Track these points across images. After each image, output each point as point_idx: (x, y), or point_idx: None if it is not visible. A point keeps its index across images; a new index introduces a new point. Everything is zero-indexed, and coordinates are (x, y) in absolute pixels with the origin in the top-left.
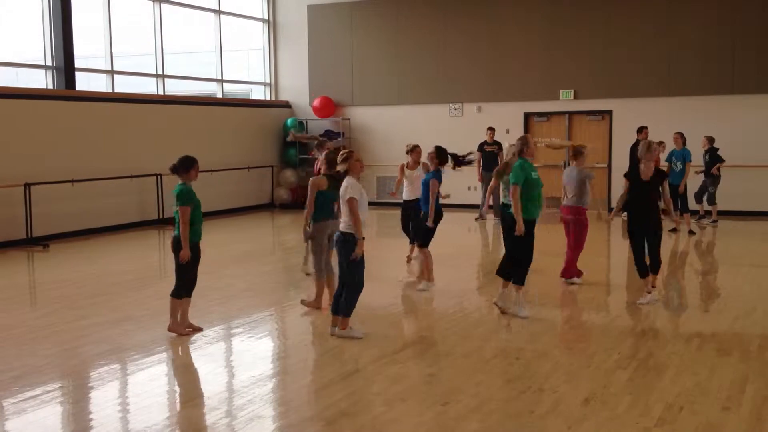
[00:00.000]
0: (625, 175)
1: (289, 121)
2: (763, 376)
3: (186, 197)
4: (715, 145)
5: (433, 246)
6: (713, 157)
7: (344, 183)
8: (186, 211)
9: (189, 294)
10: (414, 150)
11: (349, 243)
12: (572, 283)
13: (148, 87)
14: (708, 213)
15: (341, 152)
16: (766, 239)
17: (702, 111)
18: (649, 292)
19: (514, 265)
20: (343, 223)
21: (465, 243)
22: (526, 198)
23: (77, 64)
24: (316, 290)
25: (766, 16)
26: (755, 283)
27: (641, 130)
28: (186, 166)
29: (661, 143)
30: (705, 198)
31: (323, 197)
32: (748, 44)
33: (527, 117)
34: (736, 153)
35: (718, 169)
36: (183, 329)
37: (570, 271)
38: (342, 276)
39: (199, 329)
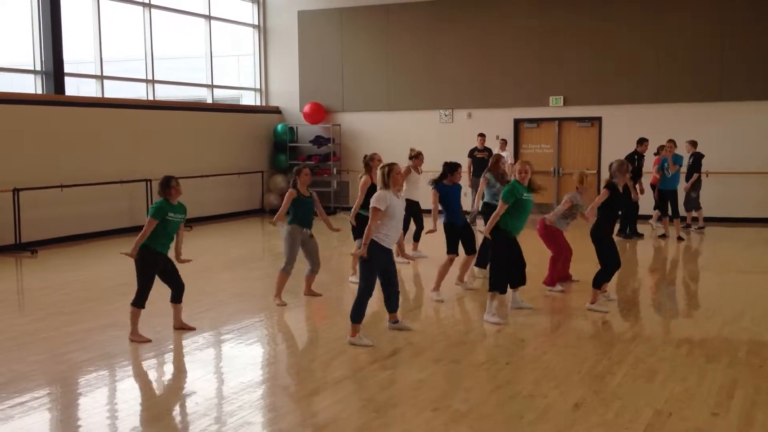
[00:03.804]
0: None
1: (279, 126)
2: (751, 381)
3: (155, 211)
4: (701, 150)
5: (423, 251)
6: (697, 162)
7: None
8: (151, 222)
9: (142, 305)
10: (417, 156)
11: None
12: (552, 291)
13: (138, 92)
14: (694, 219)
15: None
16: (752, 245)
17: (690, 118)
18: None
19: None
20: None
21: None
22: (513, 216)
23: (67, 69)
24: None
25: (754, 23)
26: (743, 289)
27: (642, 141)
28: (163, 186)
29: (670, 140)
30: (691, 204)
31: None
32: (737, 52)
33: (517, 123)
34: (724, 160)
35: (698, 177)
36: (140, 337)
37: (552, 279)
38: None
39: (148, 341)
